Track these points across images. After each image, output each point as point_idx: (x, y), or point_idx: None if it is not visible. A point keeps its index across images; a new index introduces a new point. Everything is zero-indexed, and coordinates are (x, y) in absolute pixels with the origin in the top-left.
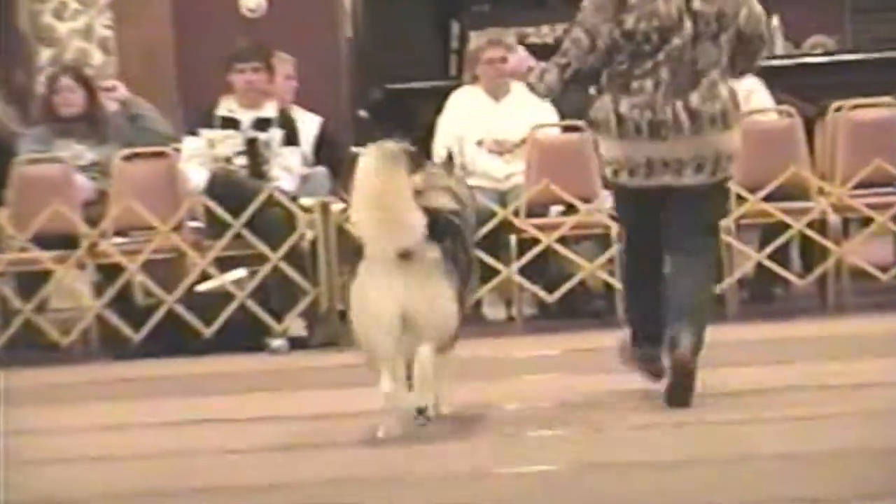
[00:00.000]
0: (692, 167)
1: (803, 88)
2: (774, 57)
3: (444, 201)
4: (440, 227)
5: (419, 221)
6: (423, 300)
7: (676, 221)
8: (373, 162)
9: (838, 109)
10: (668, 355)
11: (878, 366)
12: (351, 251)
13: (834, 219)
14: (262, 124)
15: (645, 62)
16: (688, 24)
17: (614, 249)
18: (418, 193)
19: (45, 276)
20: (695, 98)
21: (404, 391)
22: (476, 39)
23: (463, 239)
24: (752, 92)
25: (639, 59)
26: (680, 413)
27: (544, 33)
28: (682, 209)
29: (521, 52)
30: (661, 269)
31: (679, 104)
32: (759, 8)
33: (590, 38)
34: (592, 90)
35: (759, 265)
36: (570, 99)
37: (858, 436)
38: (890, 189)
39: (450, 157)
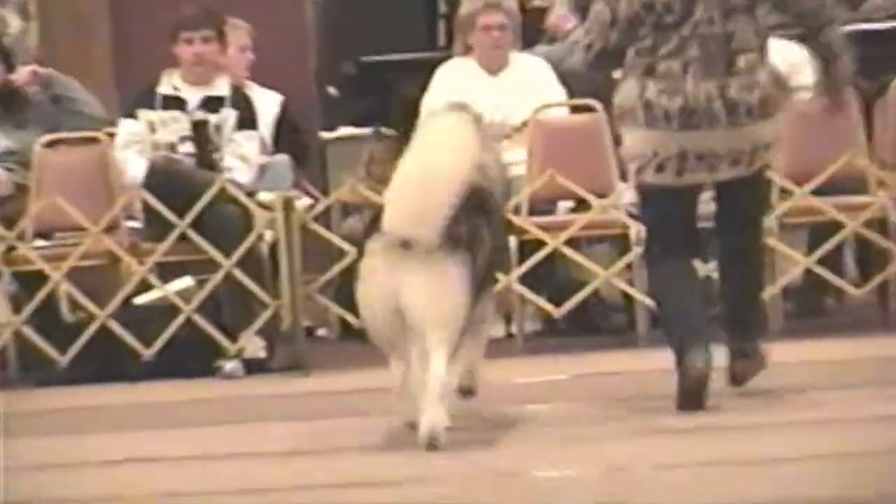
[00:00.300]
0: (727, 161)
1: (861, 61)
2: None
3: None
4: (467, 211)
5: (444, 218)
6: (423, 291)
7: (721, 218)
8: (444, 132)
9: None
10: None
11: None
12: (367, 224)
13: None
14: (212, 104)
15: (670, 37)
16: None
17: (634, 253)
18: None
19: None
20: (733, 85)
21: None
22: (469, 2)
23: (489, 221)
24: (799, 65)
25: (662, 33)
26: (710, 449)
27: None
28: (721, 206)
29: (560, 7)
30: (695, 273)
31: (714, 89)
32: None
33: (610, 11)
34: (618, 73)
35: (808, 272)
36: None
37: None
38: None
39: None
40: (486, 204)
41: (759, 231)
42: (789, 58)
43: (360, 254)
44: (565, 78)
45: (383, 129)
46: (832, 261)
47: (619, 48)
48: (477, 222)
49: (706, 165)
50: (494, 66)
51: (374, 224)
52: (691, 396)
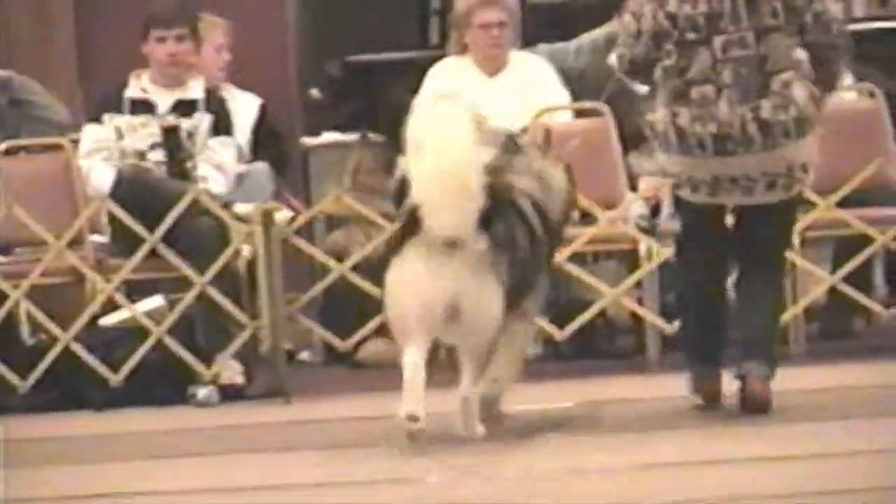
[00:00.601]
0: (763, 184)
1: (890, 60)
2: (852, 19)
3: (524, 184)
4: (497, 211)
5: (475, 206)
6: (466, 296)
7: (745, 241)
8: (439, 123)
9: None
10: (740, 390)
11: None
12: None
13: None
14: (184, 108)
15: (699, 57)
16: (743, 13)
17: (644, 270)
18: (494, 171)
19: None
20: (766, 106)
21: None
22: None
23: (530, 228)
24: None
25: (688, 50)
26: (726, 482)
27: None
28: (753, 227)
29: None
30: (726, 288)
31: (748, 114)
32: (832, 9)
33: (636, 22)
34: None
35: (833, 290)
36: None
37: None
38: None
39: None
40: (524, 212)
41: (784, 262)
42: None
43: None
44: (570, 79)
45: (371, 135)
46: (860, 278)
47: (646, 62)
48: (512, 222)
49: (741, 188)
50: (492, 67)
51: (408, 227)
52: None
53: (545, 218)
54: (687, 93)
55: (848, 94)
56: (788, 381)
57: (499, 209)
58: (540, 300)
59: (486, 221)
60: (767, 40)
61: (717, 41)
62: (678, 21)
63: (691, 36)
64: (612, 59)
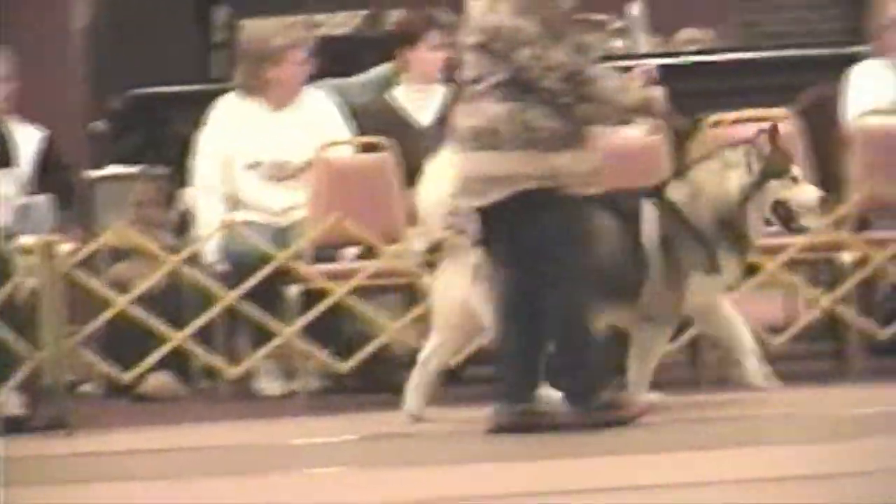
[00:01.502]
0: None
1: (672, 96)
2: (634, 56)
3: None
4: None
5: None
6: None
7: None
8: None
9: (716, 124)
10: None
11: None
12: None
13: None
14: None
15: None
16: None
17: (424, 305)
18: None
19: None
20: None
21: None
22: (273, 32)
23: None
24: None
25: None
26: None
27: (339, 22)
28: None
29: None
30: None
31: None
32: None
33: None
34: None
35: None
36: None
37: None
38: None
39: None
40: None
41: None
42: None
43: None
44: (356, 114)
45: (153, 168)
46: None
47: None
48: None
49: None
50: (281, 102)
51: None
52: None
53: None
54: None
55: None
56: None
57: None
58: None
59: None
60: None
61: None
62: None
63: None
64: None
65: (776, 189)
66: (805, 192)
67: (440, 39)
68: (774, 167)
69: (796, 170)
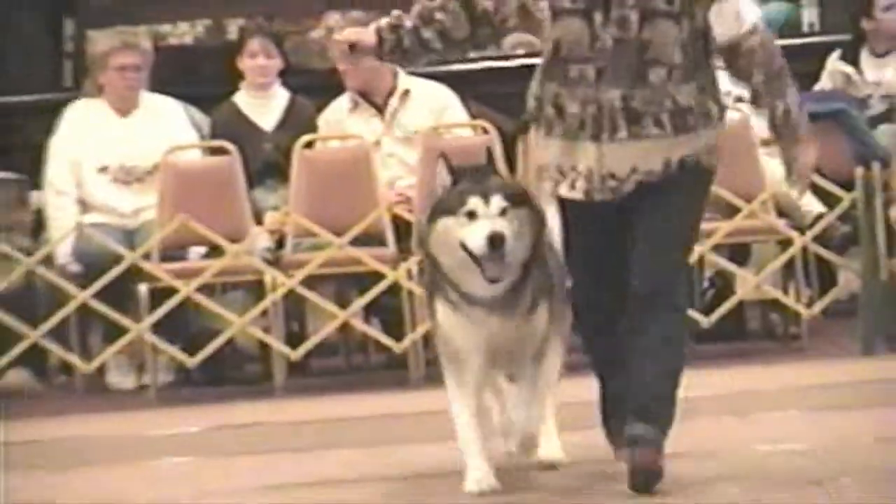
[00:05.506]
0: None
1: (501, 98)
2: (465, 60)
3: None
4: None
5: None
6: None
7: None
8: None
9: None
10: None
11: None
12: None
13: None
14: None
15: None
16: None
17: (269, 300)
18: None
19: None
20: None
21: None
22: (104, 40)
23: None
24: (447, 108)
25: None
26: None
27: (183, 32)
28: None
29: None
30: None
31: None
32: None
33: None
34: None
35: None
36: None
37: None
38: None
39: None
40: None
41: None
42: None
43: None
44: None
45: (5, 174)
46: None
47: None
48: None
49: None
50: (125, 107)
51: None
52: None
53: None
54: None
55: (465, 130)
56: None
57: None
58: None
59: None
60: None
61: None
62: None
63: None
64: None
65: None
66: None
67: (260, 46)
68: None
69: None
